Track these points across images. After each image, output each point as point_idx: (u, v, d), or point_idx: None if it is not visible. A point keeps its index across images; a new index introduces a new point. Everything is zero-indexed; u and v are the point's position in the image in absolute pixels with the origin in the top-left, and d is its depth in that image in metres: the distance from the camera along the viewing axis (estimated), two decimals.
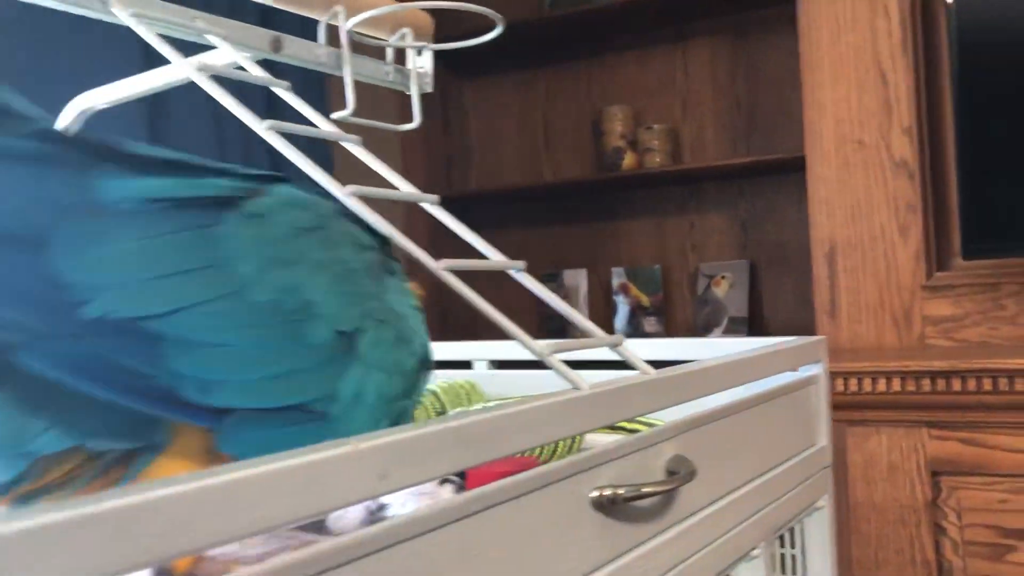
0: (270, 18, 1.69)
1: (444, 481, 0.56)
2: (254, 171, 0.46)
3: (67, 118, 0.94)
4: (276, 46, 0.75)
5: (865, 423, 1.49)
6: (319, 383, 0.40)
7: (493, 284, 2.85)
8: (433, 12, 0.84)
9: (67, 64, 1.54)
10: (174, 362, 0.36)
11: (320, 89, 2.10)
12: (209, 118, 1.87)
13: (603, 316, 2.79)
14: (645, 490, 0.44)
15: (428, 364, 0.47)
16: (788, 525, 0.65)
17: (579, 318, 0.52)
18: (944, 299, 1.65)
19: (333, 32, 0.78)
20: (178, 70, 0.59)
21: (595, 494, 0.43)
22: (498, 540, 0.36)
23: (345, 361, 0.41)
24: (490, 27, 0.78)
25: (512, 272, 0.52)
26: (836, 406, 1.49)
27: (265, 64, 0.75)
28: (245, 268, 0.38)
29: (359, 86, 0.82)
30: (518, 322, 0.67)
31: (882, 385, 1.44)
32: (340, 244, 0.43)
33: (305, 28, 0.79)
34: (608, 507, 0.43)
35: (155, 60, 1.53)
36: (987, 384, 1.36)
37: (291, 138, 0.54)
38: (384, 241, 0.48)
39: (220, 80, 0.59)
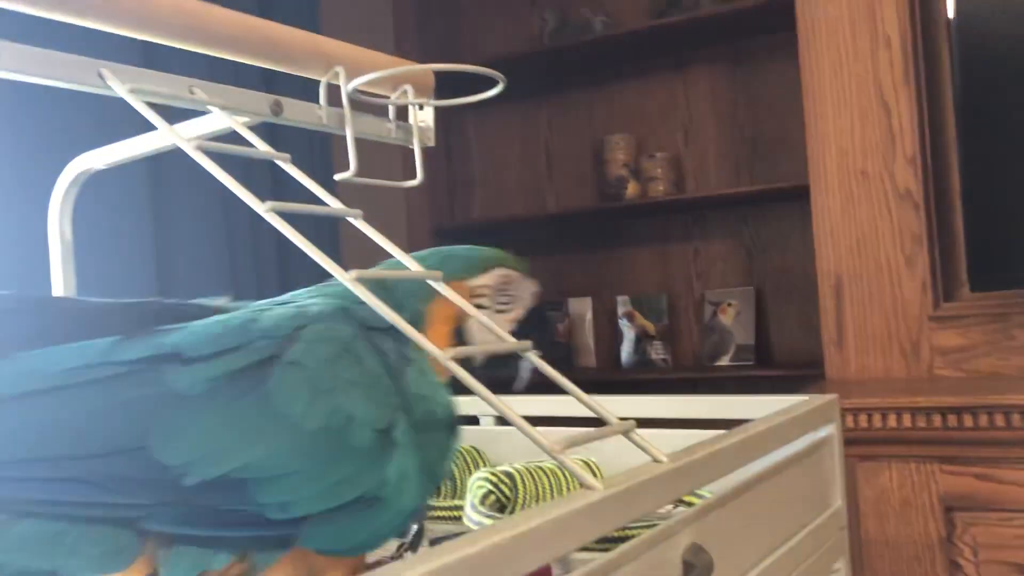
0: (273, 78, 1.67)
1: None
2: (284, 312, 0.53)
3: (66, 179, 0.94)
4: (276, 110, 0.74)
5: (876, 458, 1.47)
6: (370, 476, 0.49)
7: None
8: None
9: (77, 120, 1.53)
10: (257, 496, 0.46)
11: (325, 136, 2.10)
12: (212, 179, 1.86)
13: (608, 344, 2.77)
14: None
15: (453, 425, 0.54)
16: None
17: (581, 394, 0.51)
18: (952, 330, 1.64)
19: (334, 90, 0.77)
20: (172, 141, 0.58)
21: None
22: None
23: (387, 452, 0.49)
24: (484, 62, 0.77)
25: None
26: (846, 442, 1.47)
27: (271, 125, 0.75)
28: (295, 409, 0.48)
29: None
30: None
31: (892, 421, 1.42)
32: (363, 358, 0.50)
33: (307, 88, 0.78)
34: None
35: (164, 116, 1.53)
36: (999, 420, 1.34)
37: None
38: (398, 335, 0.52)
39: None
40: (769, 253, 2.58)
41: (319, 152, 2.27)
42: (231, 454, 0.46)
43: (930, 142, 1.69)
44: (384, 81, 0.81)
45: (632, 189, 2.62)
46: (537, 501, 0.82)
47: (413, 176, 0.77)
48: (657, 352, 2.66)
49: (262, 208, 0.53)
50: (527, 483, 0.83)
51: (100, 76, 0.60)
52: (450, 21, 2.99)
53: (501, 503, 0.83)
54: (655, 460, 0.47)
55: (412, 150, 0.82)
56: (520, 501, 0.83)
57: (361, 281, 0.50)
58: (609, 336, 2.79)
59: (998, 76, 1.57)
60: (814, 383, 1.78)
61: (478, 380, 0.46)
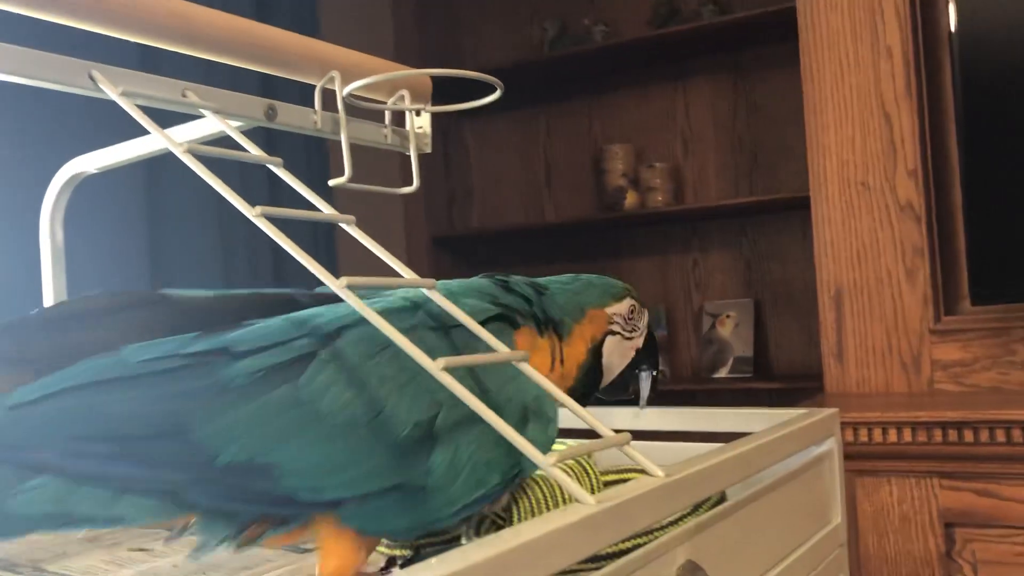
0: (271, 83, 1.67)
1: None
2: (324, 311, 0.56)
3: (58, 183, 0.93)
4: (271, 114, 0.73)
5: (876, 473, 1.46)
6: (409, 466, 0.51)
7: None
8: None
9: (71, 123, 1.52)
10: (287, 480, 0.49)
11: (322, 142, 2.09)
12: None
13: None
14: None
15: (525, 418, 0.55)
16: None
17: (576, 407, 0.49)
18: (953, 343, 1.63)
19: (330, 95, 0.76)
20: (162, 145, 0.57)
21: None
22: None
23: (428, 442, 0.51)
24: (484, 71, 0.77)
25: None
26: (845, 456, 1.46)
27: (268, 130, 0.74)
28: (323, 403, 0.50)
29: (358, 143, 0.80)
30: None
31: (892, 435, 1.41)
32: (402, 355, 0.51)
33: (305, 94, 0.77)
34: None
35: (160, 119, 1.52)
36: (1000, 435, 1.33)
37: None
38: (449, 332, 0.56)
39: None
40: (768, 264, 2.57)
41: (316, 157, 2.26)
42: (259, 442, 0.49)
43: (932, 154, 1.68)
44: (380, 86, 0.80)
45: (631, 199, 2.61)
46: (533, 515, 0.81)
47: (411, 183, 0.76)
48: None
49: (252, 213, 0.52)
50: (520, 501, 0.82)
51: (91, 78, 0.59)
52: (450, 30, 2.99)
53: (499, 525, 0.81)
54: (651, 474, 0.46)
55: (409, 157, 0.81)
56: (515, 521, 0.82)
57: (351, 288, 0.49)
58: None
59: (1000, 89, 1.56)
60: (813, 396, 1.77)
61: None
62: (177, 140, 0.56)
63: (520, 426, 0.54)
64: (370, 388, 0.52)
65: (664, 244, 2.71)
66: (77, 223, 0.93)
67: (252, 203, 0.53)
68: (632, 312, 0.70)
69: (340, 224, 0.58)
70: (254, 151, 0.61)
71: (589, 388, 0.68)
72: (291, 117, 0.75)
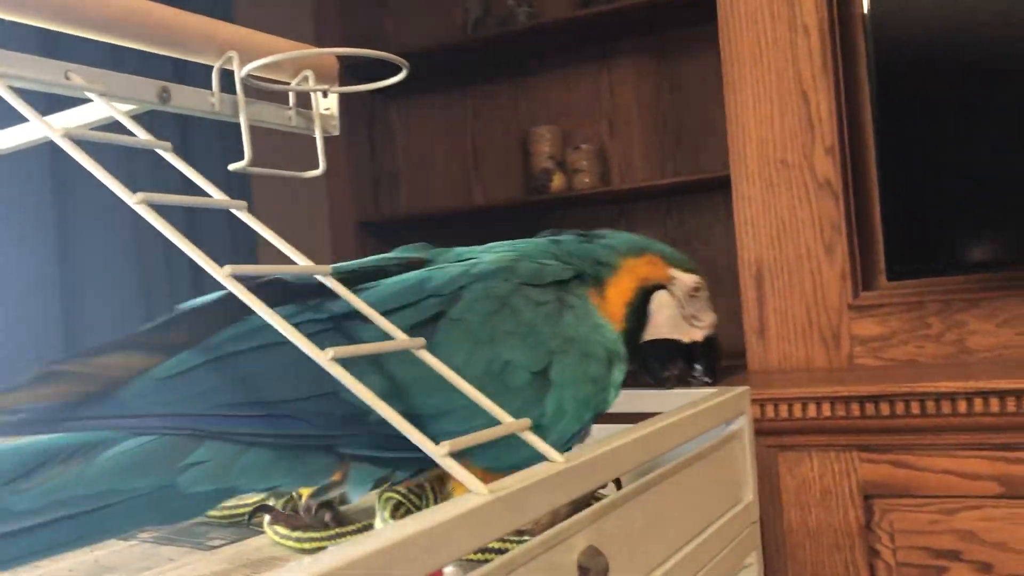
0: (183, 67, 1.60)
1: None
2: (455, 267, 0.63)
3: None
4: (164, 96, 0.70)
5: (796, 448, 1.48)
6: (529, 410, 0.57)
7: None
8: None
9: None
10: (428, 429, 0.49)
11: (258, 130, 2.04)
12: (122, 160, 1.80)
13: None
14: None
15: (612, 360, 0.64)
16: None
17: (471, 391, 0.48)
18: (871, 318, 1.65)
19: (230, 77, 0.74)
20: (42, 132, 0.54)
21: None
22: None
23: (543, 389, 0.59)
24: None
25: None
26: (767, 432, 1.47)
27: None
28: (458, 358, 0.56)
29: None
30: None
31: (812, 410, 1.43)
32: (520, 311, 0.60)
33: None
34: None
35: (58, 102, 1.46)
36: (915, 407, 1.35)
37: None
38: (562, 286, 0.65)
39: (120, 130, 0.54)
40: (693, 244, 2.59)
41: (235, 145, 2.21)
42: (404, 396, 0.55)
43: (849, 132, 1.71)
44: (283, 67, 0.78)
45: (558, 181, 2.61)
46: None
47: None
48: None
49: (133, 200, 0.50)
50: (437, 488, 0.81)
51: None
52: (373, 11, 2.94)
53: (413, 513, 0.80)
54: (550, 459, 0.45)
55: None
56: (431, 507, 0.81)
57: (236, 277, 0.47)
58: None
59: (912, 67, 1.59)
60: (737, 374, 1.79)
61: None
62: (58, 125, 0.54)
63: (608, 368, 0.63)
64: (496, 343, 0.58)
65: (592, 225, 2.67)
66: None
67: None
68: (696, 290, 0.73)
69: (232, 210, 0.56)
70: (142, 135, 0.59)
71: (633, 329, 0.70)
72: (187, 100, 0.72)
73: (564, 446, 0.60)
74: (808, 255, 1.69)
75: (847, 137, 1.70)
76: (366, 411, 0.49)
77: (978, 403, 1.32)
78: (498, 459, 0.55)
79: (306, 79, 0.79)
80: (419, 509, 0.79)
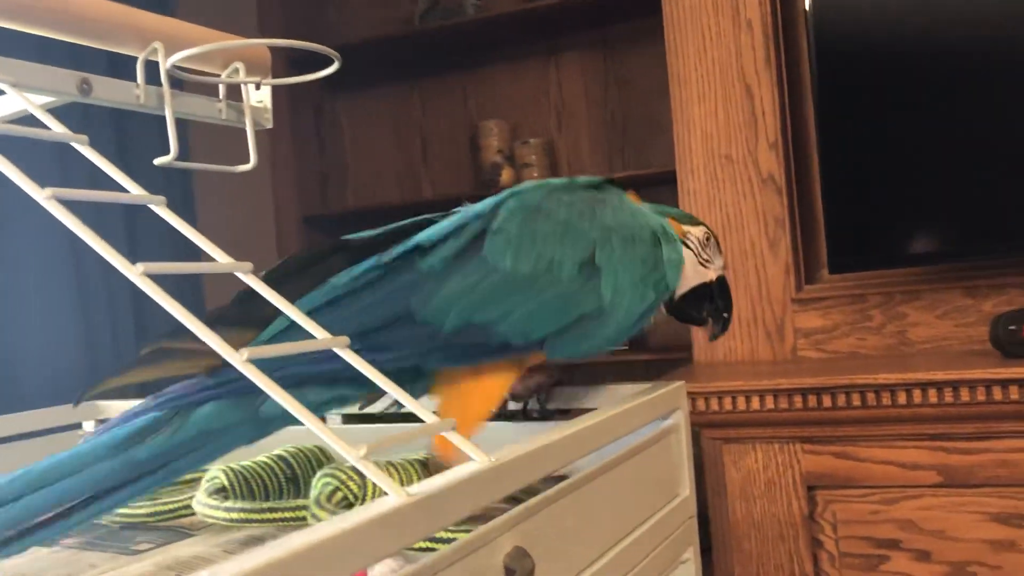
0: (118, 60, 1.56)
1: None
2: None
3: None
4: (85, 88, 0.68)
5: (741, 440, 1.49)
6: (585, 298, 0.65)
7: None
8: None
9: None
10: (498, 334, 0.63)
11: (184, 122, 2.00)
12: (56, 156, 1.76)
13: None
14: None
15: (657, 240, 0.71)
16: None
17: (397, 389, 0.47)
18: (814, 311, 1.67)
19: (155, 69, 0.72)
20: None
21: None
22: None
23: (594, 276, 0.65)
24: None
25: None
26: (711, 425, 1.48)
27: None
28: (506, 263, 0.64)
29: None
30: None
31: (756, 403, 1.44)
32: (553, 212, 0.67)
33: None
34: None
35: None
36: (856, 399, 1.37)
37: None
38: (597, 186, 0.73)
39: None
40: None
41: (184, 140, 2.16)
42: (469, 307, 0.63)
43: (792, 127, 1.72)
44: (213, 59, 0.76)
45: (507, 175, 2.60)
46: None
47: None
48: None
49: (42, 195, 0.48)
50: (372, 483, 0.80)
51: None
52: (317, 4, 2.90)
53: (349, 501, 0.79)
54: (473, 460, 0.44)
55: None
56: (370, 497, 0.79)
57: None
58: None
59: (854, 62, 1.60)
60: (683, 366, 1.79)
61: None
62: None
63: (655, 246, 0.70)
64: (537, 243, 0.65)
65: None
66: None
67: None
68: (707, 239, 0.79)
69: (150, 205, 0.54)
70: (58, 128, 0.57)
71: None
72: (110, 92, 0.70)
73: (635, 326, 0.68)
74: (753, 249, 1.70)
75: (790, 132, 1.71)
76: (440, 326, 0.62)
77: (917, 394, 1.33)
78: (575, 346, 0.65)
79: (236, 71, 0.78)
80: (357, 497, 0.78)
